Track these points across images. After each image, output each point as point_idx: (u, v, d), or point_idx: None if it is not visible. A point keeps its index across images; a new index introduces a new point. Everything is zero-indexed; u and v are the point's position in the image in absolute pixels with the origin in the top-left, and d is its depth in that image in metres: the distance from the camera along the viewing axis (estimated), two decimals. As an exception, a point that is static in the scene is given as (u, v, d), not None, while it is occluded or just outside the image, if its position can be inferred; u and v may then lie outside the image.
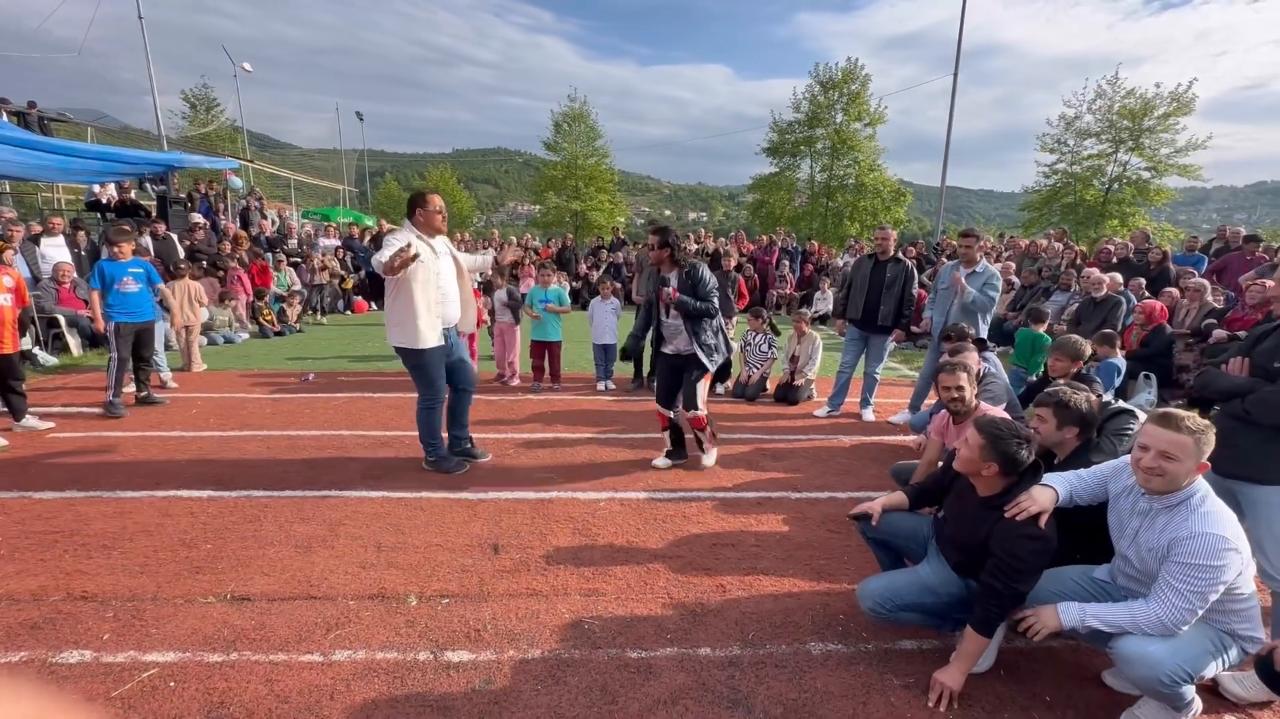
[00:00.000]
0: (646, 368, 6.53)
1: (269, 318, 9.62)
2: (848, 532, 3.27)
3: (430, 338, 3.76)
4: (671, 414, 4.30)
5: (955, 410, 3.15)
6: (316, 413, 5.35)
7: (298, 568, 2.87)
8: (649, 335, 4.37)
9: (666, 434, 4.38)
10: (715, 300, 4.03)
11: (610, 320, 6.51)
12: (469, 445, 4.33)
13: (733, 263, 7.61)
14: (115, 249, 5.32)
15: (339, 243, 13.09)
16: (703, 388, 4.16)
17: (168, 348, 7.01)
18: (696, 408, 4.15)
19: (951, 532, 2.29)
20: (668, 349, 4.20)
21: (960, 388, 3.10)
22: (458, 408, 4.24)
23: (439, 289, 3.80)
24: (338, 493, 3.71)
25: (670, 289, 3.98)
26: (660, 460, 4.37)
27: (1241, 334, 5.67)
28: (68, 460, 4.15)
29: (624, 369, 6.81)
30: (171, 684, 2.12)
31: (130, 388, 5.56)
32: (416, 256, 3.49)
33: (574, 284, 13.48)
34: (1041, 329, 5.91)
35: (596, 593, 2.74)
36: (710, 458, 4.37)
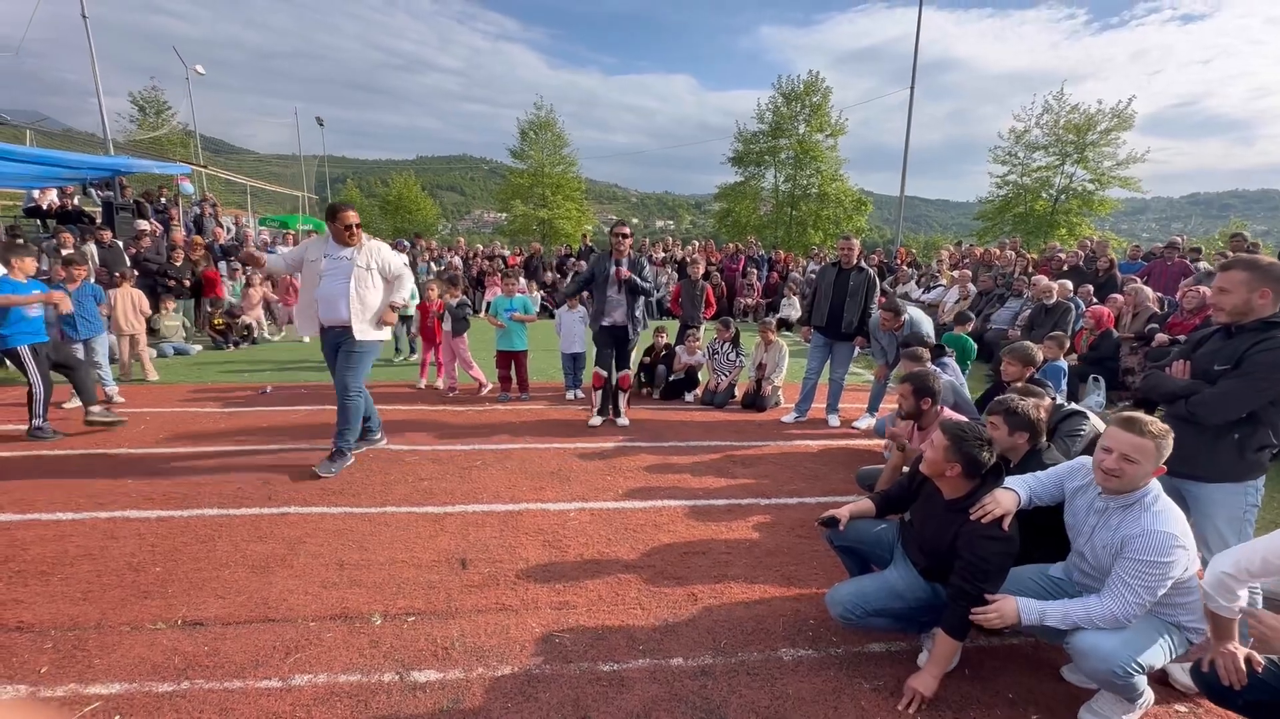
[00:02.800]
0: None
1: (220, 325, 9.27)
2: (816, 537, 3.30)
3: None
4: (605, 375, 5.44)
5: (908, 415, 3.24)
6: (275, 427, 5.17)
7: (254, 589, 2.75)
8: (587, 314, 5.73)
9: (598, 393, 5.48)
10: (652, 283, 5.39)
11: (579, 329, 6.47)
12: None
13: (700, 270, 7.66)
14: (13, 267, 4.83)
15: (297, 250, 12.75)
16: (634, 354, 5.62)
17: (112, 360, 6.69)
18: (628, 367, 5.58)
19: (919, 536, 2.33)
20: (606, 321, 5.32)
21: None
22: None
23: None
24: (297, 509, 3.58)
25: (624, 269, 5.15)
26: (594, 419, 5.46)
27: (1181, 338, 5.98)
28: (1, 482, 3.91)
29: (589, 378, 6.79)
30: (117, 718, 2.01)
31: (74, 402, 5.28)
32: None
33: (542, 294, 13.40)
34: (964, 331, 6.19)
35: (567, 606, 2.70)
36: (624, 419, 5.53)
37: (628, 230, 5.29)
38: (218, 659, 2.29)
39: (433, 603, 2.69)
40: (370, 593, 2.75)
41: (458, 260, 13.97)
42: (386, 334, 4.34)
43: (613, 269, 5.18)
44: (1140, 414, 2.02)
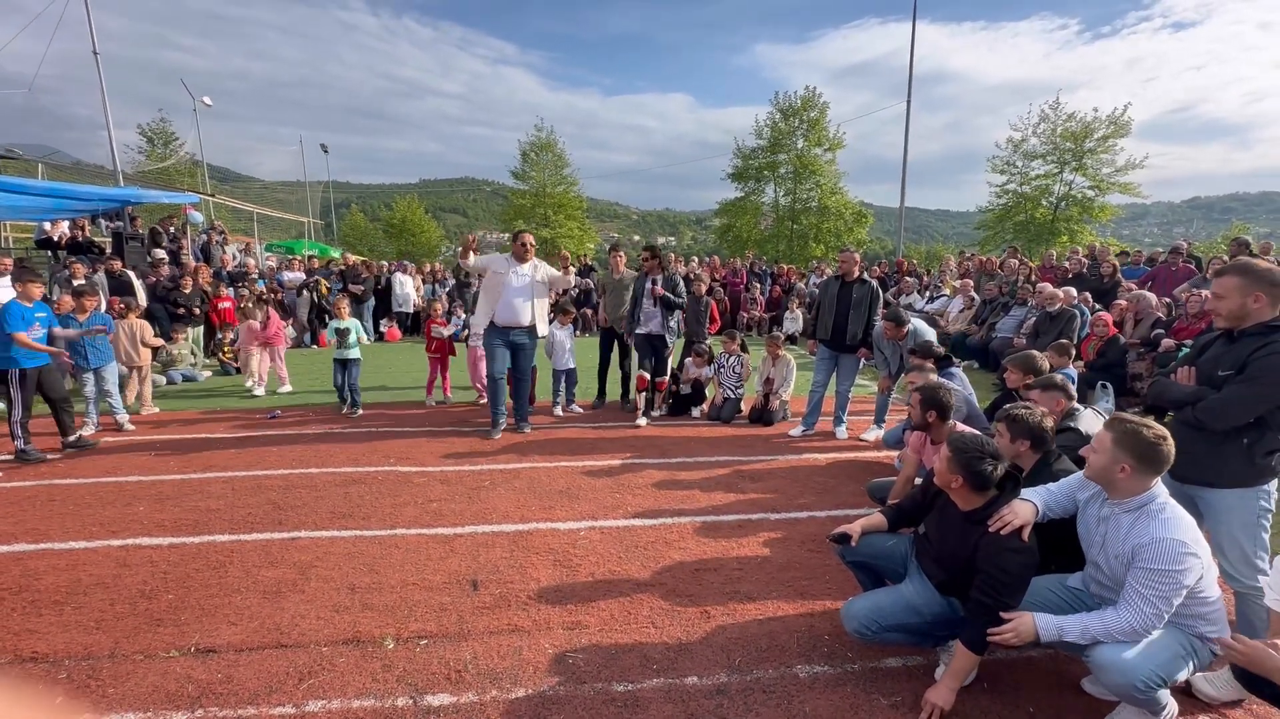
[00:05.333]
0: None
1: (229, 354, 9.35)
2: (829, 551, 3.28)
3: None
4: (648, 376, 6.08)
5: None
6: (284, 451, 5.19)
7: (266, 615, 2.75)
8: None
9: (642, 395, 6.08)
10: (684, 298, 6.24)
11: (569, 345, 6.56)
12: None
13: (704, 288, 7.70)
14: (22, 289, 5.04)
15: (304, 275, 12.86)
16: (668, 360, 6.28)
17: (121, 389, 6.74)
18: (665, 373, 6.27)
19: (935, 549, 2.32)
20: (642, 330, 6.09)
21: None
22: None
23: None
24: (308, 533, 3.59)
25: (658, 287, 5.94)
26: (641, 419, 6.00)
27: (1187, 342, 5.96)
28: (14, 512, 3.93)
29: (584, 395, 6.82)
30: (131, 748, 2.00)
31: (87, 430, 5.33)
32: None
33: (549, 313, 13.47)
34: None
35: (579, 626, 2.69)
36: (642, 421, 6.05)
37: (649, 254, 6.15)
38: (231, 686, 2.29)
39: (445, 625, 2.68)
40: (382, 616, 2.74)
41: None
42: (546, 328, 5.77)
43: (649, 285, 6.00)
44: (1124, 415, 2.04)
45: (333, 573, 3.13)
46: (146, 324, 7.06)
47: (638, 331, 6.10)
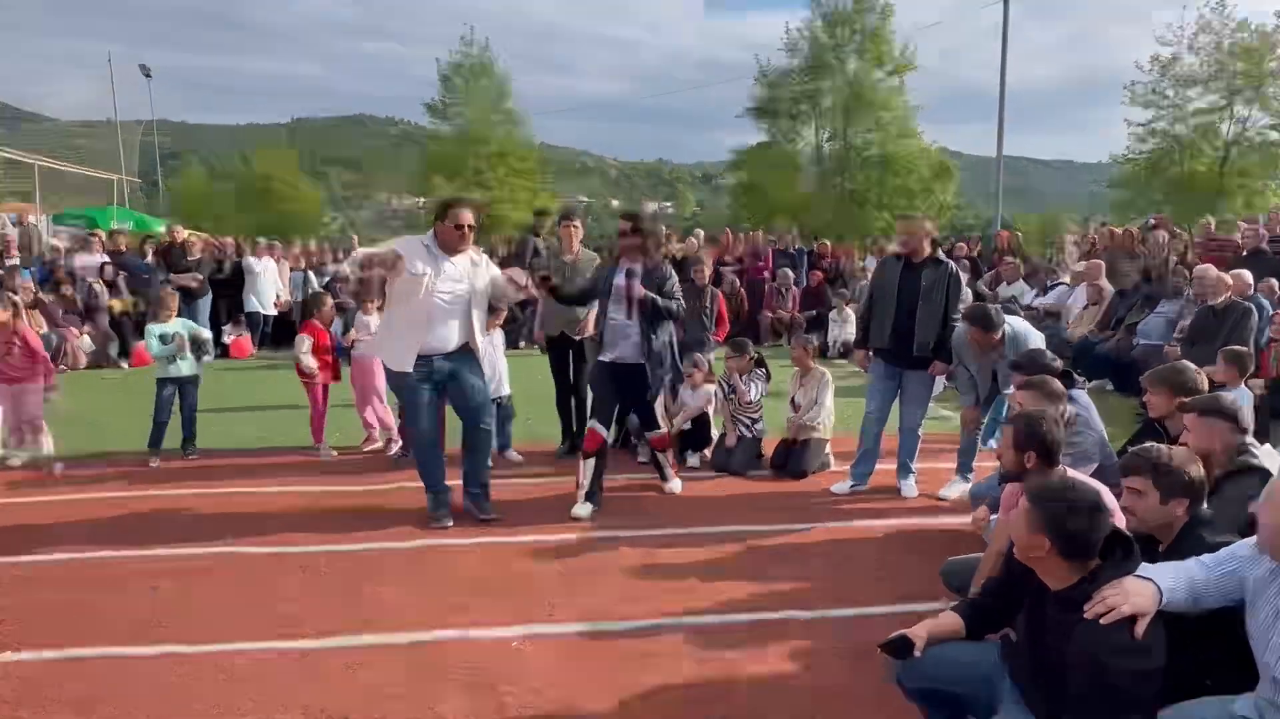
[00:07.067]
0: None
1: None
2: (884, 670, 3.25)
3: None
4: (606, 435, 5.30)
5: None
6: (65, 526, 5.09)
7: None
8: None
9: (589, 463, 5.18)
10: (681, 302, 5.33)
11: (499, 364, 6.39)
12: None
13: (707, 274, 7.74)
14: None
15: (104, 258, 12.69)
16: (658, 404, 5.57)
17: None
18: (656, 427, 5.54)
19: (1029, 663, 2.29)
20: (607, 356, 5.25)
21: None
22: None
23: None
24: (94, 651, 3.49)
25: (635, 283, 5.01)
26: (580, 508, 5.13)
27: None
28: None
29: (540, 435, 6.80)
30: None
31: None
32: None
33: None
34: None
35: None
36: (676, 484, 5.62)
37: (629, 226, 5.21)
38: None
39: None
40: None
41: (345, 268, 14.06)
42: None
43: (619, 280, 5.11)
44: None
45: (121, 713, 3.04)
46: None
47: (601, 359, 5.32)
